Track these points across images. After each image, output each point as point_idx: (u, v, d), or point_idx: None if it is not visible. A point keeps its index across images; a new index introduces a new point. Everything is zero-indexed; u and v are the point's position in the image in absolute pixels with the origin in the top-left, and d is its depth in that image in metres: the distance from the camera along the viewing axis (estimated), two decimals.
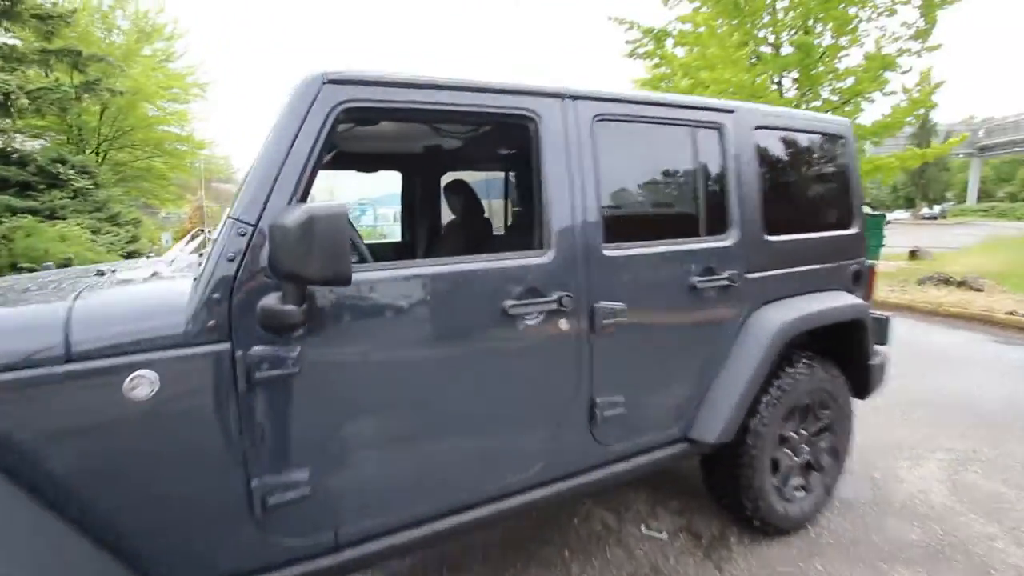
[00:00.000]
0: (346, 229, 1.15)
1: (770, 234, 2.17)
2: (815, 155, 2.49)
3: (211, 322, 1.22)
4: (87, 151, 16.40)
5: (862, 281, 2.61)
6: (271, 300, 1.23)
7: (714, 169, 2.05)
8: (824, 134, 2.47)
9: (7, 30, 12.09)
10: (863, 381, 2.55)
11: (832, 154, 2.53)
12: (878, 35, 10.70)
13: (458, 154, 2.78)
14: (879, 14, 10.74)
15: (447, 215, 3.10)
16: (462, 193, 2.80)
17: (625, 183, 1.91)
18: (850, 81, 10.38)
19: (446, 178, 3.07)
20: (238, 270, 1.24)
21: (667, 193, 2.08)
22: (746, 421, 2.10)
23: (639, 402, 1.88)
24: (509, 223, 3.13)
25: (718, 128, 2.04)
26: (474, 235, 2.71)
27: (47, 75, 12.27)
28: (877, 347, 2.64)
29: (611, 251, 1.74)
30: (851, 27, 10.66)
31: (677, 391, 1.99)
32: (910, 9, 10.45)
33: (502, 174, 3.29)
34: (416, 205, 3.20)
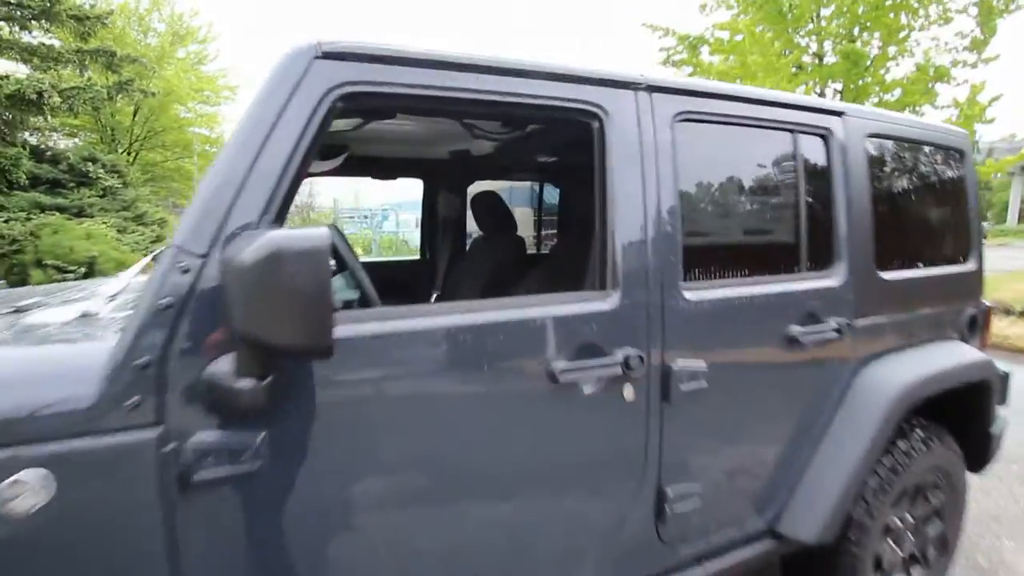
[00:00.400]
0: (327, 272, 0.75)
1: (882, 269, 1.71)
2: (932, 173, 2.02)
3: (133, 398, 0.83)
4: (119, 150, 16.60)
5: (977, 328, 2.13)
6: (221, 368, 0.84)
7: (818, 186, 1.61)
8: (942, 147, 2.00)
9: (47, 31, 12.30)
10: (981, 452, 2.05)
11: (950, 172, 2.05)
12: (929, 45, 10.14)
13: (491, 159, 2.37)
14: (932, 22, 10.18)
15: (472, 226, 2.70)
16: (492, 206, 2.40)
17: (709, 202, 1.48)
18: (897, 93, 9.79)
19: (474, 188, 2.68)
20: (176, 322, 0.84)
21: (760, 216, 1.64)
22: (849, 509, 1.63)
23: (718, 490, 1.44)
24: (553, 246, 2.69)
25: (824, 135, 1.60)
26: (505, 257, 2.31)
27: (81, 74, 12.42)
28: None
29: (693, 293, 1.31)
30: (902, 36, 10.12)
31: (766, 473, 1.54)
32: (966, 18, 9.85)
33: (546, 185, 2.87)
34: (439, 218, 2.81)
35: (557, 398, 1.15)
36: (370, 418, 0.99)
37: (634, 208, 1.23)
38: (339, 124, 1.50)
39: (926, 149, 1.97)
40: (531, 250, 3.24)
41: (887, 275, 1.72)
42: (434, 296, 2.62)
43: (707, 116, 1.36)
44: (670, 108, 1.30)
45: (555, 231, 3.26)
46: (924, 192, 2.03)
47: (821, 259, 1.60)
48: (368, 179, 2.76)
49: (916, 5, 9.78)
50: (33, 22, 11.86)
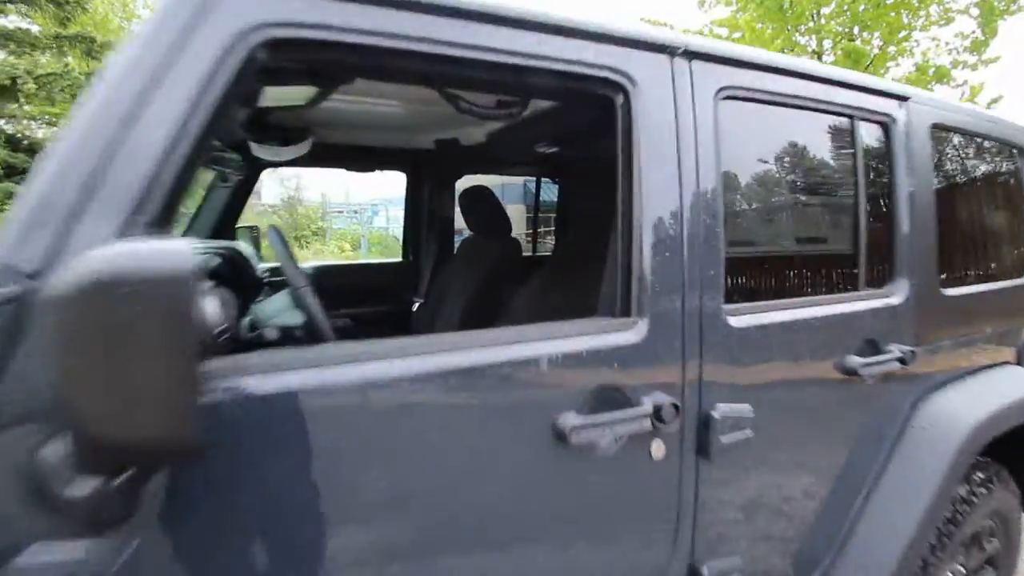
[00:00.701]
0: (189, 315, 0.46)
1: (945, 285, 1.45)
2: (994, 173, 1.76)
3: None
4: None
5: None
6: (51, 459, 0.54)
7: (878, 185, 1.33)
8: (1007, 144, 1.74)
9: (24, 15, 11.83)
10: None
11: (1010, 172, 1.79)
12: (929, 46, 10.11)
13: (483, 149, 2.07)
14: (932, 22, 10.13)
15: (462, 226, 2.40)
16: (483, 203, 2.11)
17: (755, 202, 1.20)
18: None
19: (463, 183, 2.38)
20: None
21: (812, 221, 1.36)
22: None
23: (760, 560, 1.16)
24: (553, 255, 2.36)
25: (885, 123, 1.32)
26: (498, 262, 2.02)
27: (60, 61, 11.97)
28: None
29: (737, 318, 1.03)
30: (902, 35, 10.07)
31: (812, 532, 1.27)
32: (967, 19, 9.80)
33: (547, 180, 2.57)
34: (423, 216, 2.51)
35: (565, 463, 0.86)
36: (301, 510, 0.70)
37: (668, 208, 0.95)
38: (294, 97, 1.20)
39: (989, 145, 1.71)
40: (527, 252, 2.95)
41: (949, 291, 1.46)
42: (417, 304, 2.33)
43: (756, 93, 1.08)
44: (713, 81, 1.01)
45: (554, 235, 2.97)
46: (984, 195, 1.77)
47: (879, 273, 1.33)
48: (344, 172, 2.45)
49: (917, 4, 9.72)
50: (10, 5, 11.41)
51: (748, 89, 1.06)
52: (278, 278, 2.15)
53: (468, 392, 0.78)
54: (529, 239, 3.27)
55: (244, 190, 2.01)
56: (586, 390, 0.87)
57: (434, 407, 0.76)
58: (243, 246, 1.72)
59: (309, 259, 12.64)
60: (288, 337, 0.97)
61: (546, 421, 0.83)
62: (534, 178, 2.90)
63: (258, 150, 1.67)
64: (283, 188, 15.62)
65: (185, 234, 1.94)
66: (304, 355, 0.70)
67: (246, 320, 1.03)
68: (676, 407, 0.90)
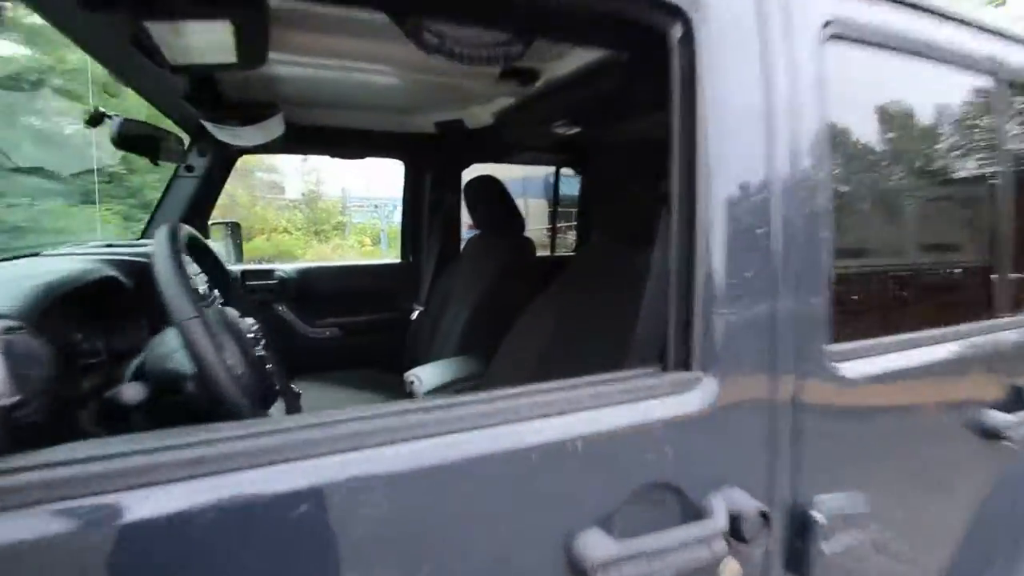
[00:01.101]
0: None
1: None
2: None
3: None
4: None
5: None
6: None
7: (1017, 174, 0.97)
8: None
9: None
10: None
11: None
12: None
13: (493, 130, 1.74)
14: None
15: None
16: (490, 196, 1.79)
17: (875, 194, 0.85)
18: None
19: (469, 172, 2.06)
20: None
21: (942, 221, 1.00)
22: None
23: None
24: (579, 258, 2.00)
25: None
26: (506, 264, 1.71)
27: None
28: None
29: (850, 364, 0.69)
30: None
31: None
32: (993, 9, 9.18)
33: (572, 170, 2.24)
34: (423, 211, 2.20)
35: None
36: None
37: (748, 201, 0.61)
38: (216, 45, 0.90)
39: None
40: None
41: None
42: (416, 312, 2.03)
43: (877, 35, 0.73)
44: (817, 11, 0.67)
45: (576, 234, 2.64)
46: None
47: (1018, 292, 0.97)
48: (365, 164, 2.16)
49: None
50: None
51: (867, 28, 0.72)
52: (255, 283, 1.87)
53: (424, 511, 0.46)
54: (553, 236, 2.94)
55: (215, 180, 1.73)
56: (621, 493, 0.55)
57: (374, 538, 0.45)
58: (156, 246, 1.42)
59: (328, 254, 12.48)
60: (174, 390, 0.68)
61: (557, 547, 0.52)
62: (555, 168, 2.58)
63: (217, 132, 1.38)
64: (304, 182, 15.56)
65: (143, 235, 1.68)
66: (135, 459, 0.40)
67: (134, 363, 0.74)
68: (765, 516, 0.58)
